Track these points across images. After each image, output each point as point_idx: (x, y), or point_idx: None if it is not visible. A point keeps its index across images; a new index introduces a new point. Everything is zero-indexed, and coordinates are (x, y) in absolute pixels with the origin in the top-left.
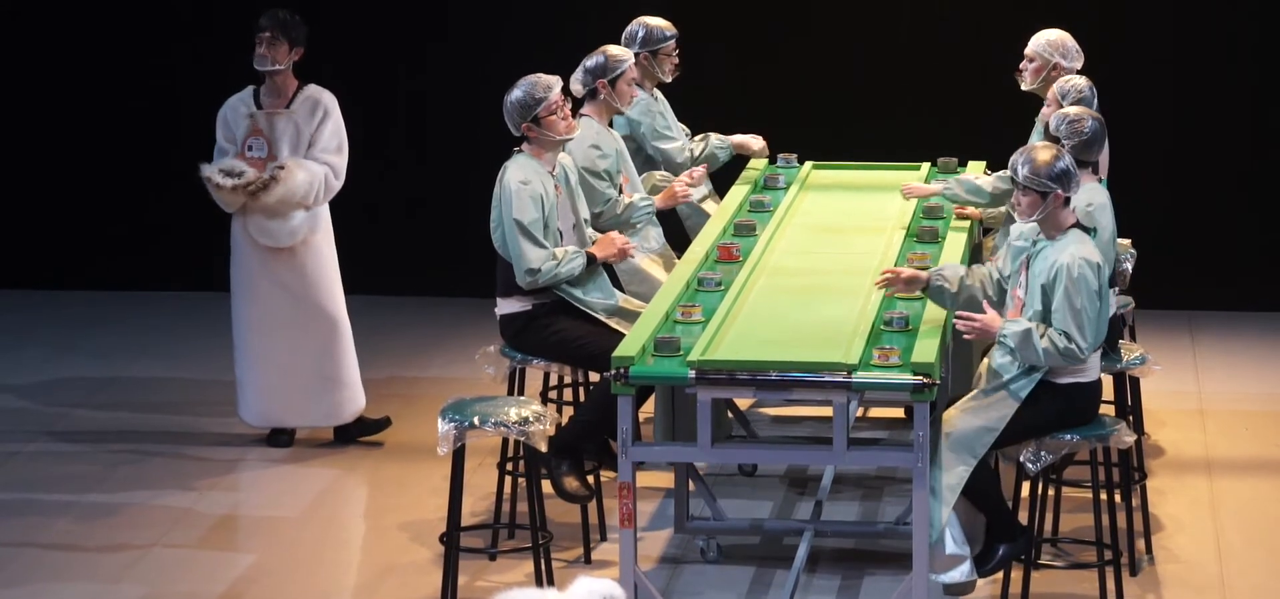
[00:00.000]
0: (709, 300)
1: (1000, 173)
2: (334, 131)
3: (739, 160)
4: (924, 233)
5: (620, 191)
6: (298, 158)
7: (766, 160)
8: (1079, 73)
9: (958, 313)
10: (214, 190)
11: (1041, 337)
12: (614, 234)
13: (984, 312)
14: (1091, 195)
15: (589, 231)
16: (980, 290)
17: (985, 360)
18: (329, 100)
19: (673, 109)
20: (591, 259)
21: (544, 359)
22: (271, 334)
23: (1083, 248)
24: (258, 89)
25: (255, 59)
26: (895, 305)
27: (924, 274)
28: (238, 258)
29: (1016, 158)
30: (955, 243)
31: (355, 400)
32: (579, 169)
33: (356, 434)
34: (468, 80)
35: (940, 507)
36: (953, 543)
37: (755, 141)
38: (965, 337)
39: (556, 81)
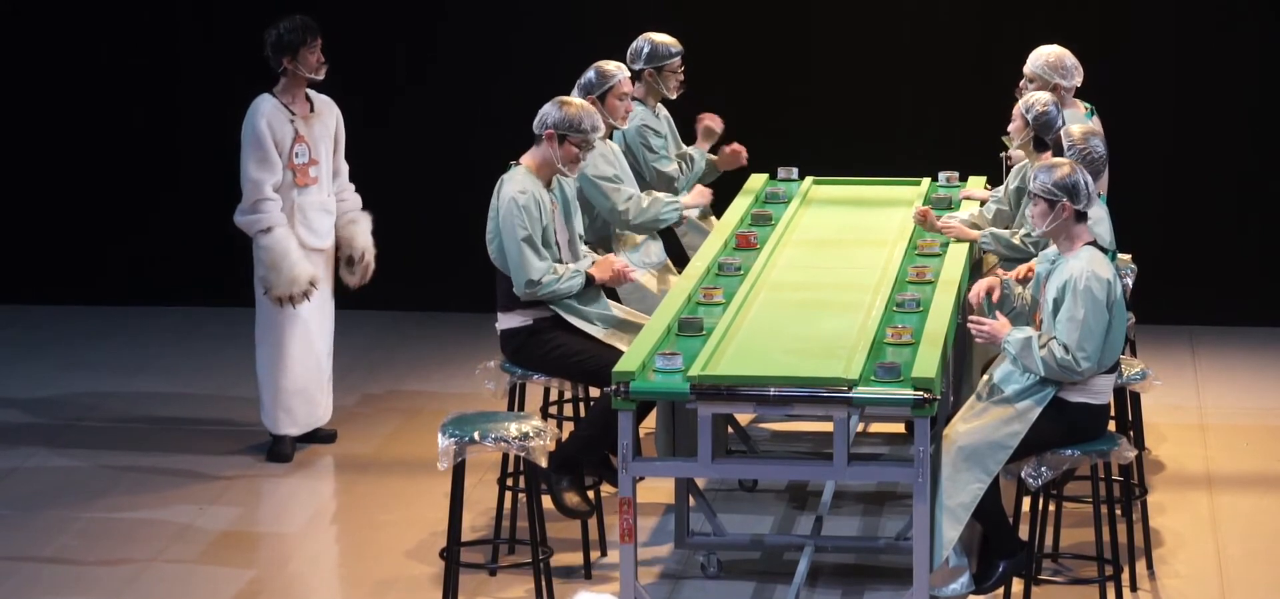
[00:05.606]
0: (729, 284)
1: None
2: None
3: (731, 177)
4: (926, 245)
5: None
6: (364, 216)
7: (767, 176)
8: (1078, 91)
9: (971, 318)
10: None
11: (1042, 346)
12: (612, 257)
13: (995, 317)
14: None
15: (583, 248)
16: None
17: (986, 373)
18: (334, 103)
19: (679, 126)
20: (589, 280)
21: (544, 374)
22: (309, 338)
23: (1093, 263)
24: (275, 96)
25: (319, 69)
26: (907, 288)
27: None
28: None
29: (1035, 168)
30: (957, 254)
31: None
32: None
33: (318, 437)
34: (469, 92)
35: (951, 526)
36: (952, 555)
37: (716, 122)
38: (977, 340)
39: (600, 123)
